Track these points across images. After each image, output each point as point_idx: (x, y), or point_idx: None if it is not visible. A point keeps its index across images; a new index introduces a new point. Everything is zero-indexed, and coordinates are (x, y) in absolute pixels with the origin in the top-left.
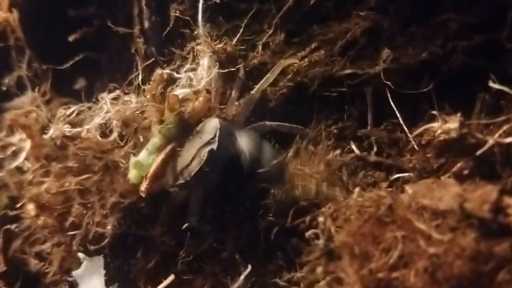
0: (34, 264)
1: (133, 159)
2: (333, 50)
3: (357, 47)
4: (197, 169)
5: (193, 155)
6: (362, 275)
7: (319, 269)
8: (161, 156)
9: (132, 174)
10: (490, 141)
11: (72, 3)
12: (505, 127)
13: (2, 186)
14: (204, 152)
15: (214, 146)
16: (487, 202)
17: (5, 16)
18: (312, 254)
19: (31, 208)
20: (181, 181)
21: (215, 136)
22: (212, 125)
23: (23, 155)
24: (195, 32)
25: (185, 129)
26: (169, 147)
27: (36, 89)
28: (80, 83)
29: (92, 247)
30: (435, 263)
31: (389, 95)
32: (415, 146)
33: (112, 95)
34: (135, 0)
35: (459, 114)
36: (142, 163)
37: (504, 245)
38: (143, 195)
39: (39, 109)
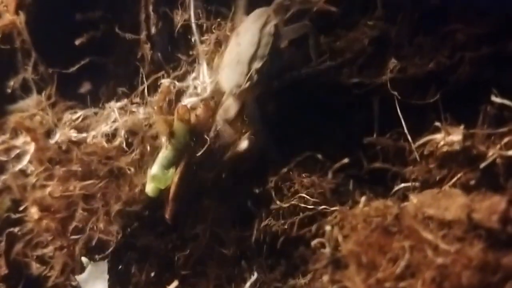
0: (36, 267)
1: (150, 173)
2: (340, 59)
3: (364, 56)
4: (270, 45)
5: (257, 39)
6: (369, 285)
7: (325, 278)
8: (177, 175)
9: (150, 188)
10: (494, 154)
11: (79, 7)
12: (506, 139)
13: (5, 188)
14: (270, 28)
15: (276, 20)
16: (496, 213)
17: (12, 18)
18: (318, 263)
19: (34, 211)
20: (258, 65)
21: (269, 15)
22: (260, 10)
23: (27, 158)
24: (193, 39)
25: (194, 138)
26: (182, 164)
27: (42, 92)
28: (86, 87)
29: (95, 254)
30: (443, 274)
31: (397, 104)
32: (417, 156)
33: (119, 104)
34: (142, 6)
35: (462, 126)
36: (161, 177)
37: None
38: (169, 222)
39: (44, 112)
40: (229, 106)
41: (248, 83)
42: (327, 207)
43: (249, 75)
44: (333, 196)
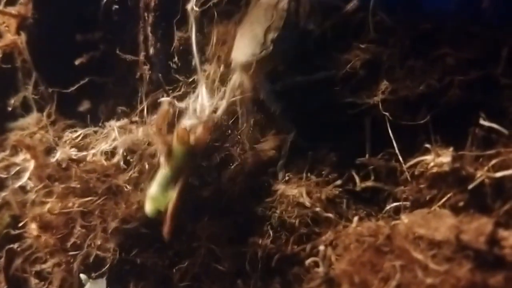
0: (34, 283)
1: (149, 194)
2: (333, 80)
3: (357, 78)
4: (284, 19)
5: (272, 13)
6: None
7: None
8: (175, 193)
9: (149, 208)
10: (482, 176)
11: (79, 27)
12: (494, 161)
13: (4, 205)
14: (283, 4)
15: None
16: (483, 234)
17: (13, 38)
18: (312, 282)
19: (33, 227)
20: (273, 35)
21: None
22: None
23: (26, 175)
24: (193, 62)
25: (192, 159)
26: (180, 182)
27: (42, 111)
28: (85, 106)
29: (93, 270)
30: None
31: (388, 125)
32: (408, 177)
33: (119, 123)
34: (140, 27)
35: (451, 148)
36: (160, 197)
37: (498, 277)
38: (167, 237)
39: (44, 130)
40: (243, 82)
41: (264, 52)
42: (322, 210)
43: (264, 44)
44: (328, 206)
